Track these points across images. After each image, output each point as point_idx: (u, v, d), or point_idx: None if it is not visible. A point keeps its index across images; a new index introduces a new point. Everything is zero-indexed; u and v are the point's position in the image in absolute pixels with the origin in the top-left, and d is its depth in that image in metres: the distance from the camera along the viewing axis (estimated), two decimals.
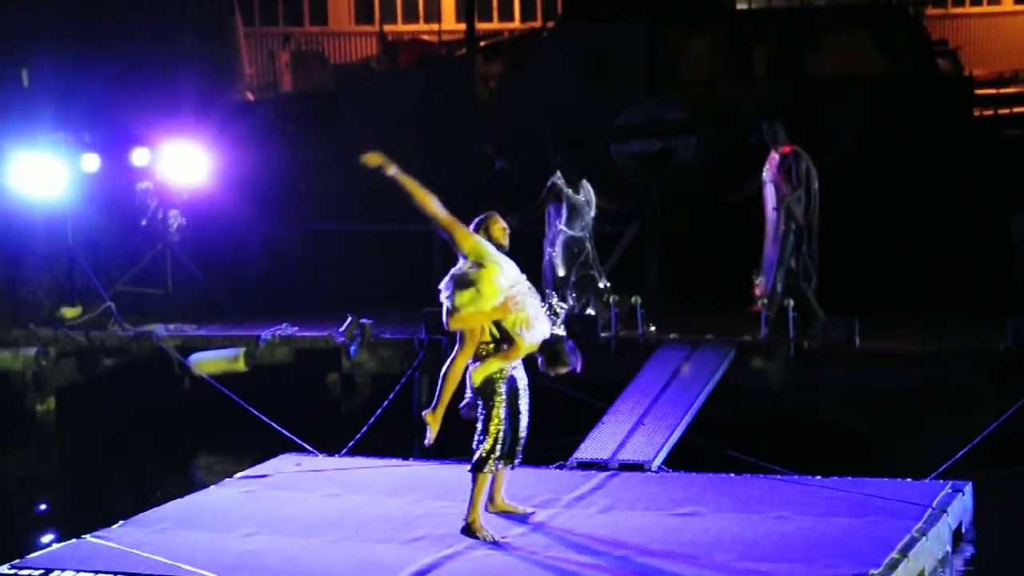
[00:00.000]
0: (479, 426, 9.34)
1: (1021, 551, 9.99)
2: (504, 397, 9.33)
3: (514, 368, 9.47)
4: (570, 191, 13.98)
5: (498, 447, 9.27)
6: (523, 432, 9.53)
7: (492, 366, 9.29)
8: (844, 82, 17.05)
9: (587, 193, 14.11)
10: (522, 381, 9.58)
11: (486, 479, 9.37)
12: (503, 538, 9.16)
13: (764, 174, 13.83)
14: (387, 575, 8.36)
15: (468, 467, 9.37)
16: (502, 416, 9.30)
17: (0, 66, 18.85)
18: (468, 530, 9.28)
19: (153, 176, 16.25)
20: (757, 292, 13.96)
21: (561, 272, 14.14)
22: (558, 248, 14.11)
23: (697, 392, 12.57)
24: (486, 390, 9.30)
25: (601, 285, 14.13)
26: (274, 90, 21.72)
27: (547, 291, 14.32)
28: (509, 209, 12.61)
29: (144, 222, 16.25)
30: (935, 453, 11.28)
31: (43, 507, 12.05)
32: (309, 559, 8.75)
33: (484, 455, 9.25)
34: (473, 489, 9.32)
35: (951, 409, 12.68)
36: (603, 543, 9.00)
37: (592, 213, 14.02)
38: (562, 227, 14.00)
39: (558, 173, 14.04)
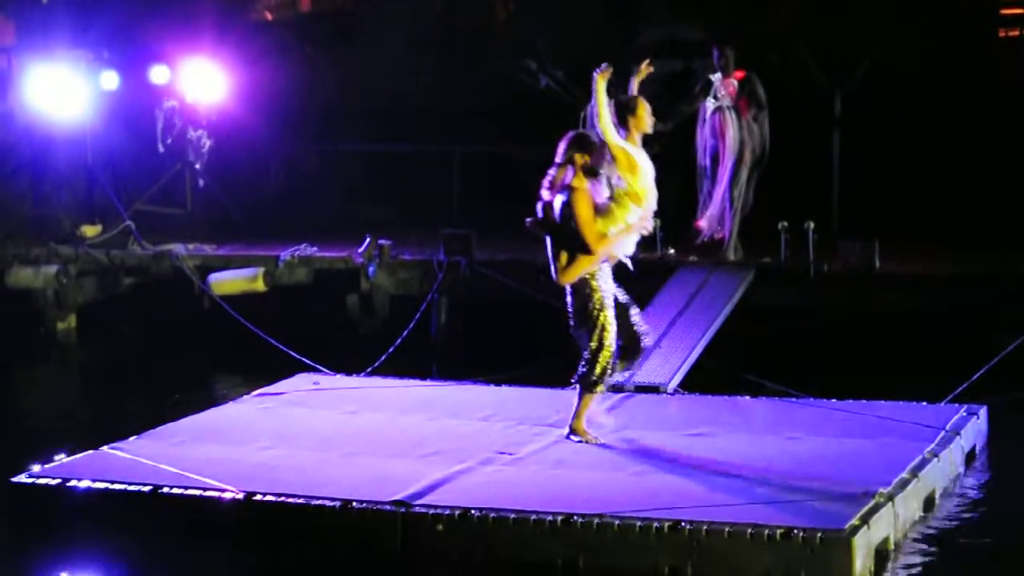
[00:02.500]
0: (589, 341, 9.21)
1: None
2: (609, 304, 9.18)
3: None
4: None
5: (609, 366, 9.22)
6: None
7: (583, 264, 9.08)
8: (866, 3, 16.79)
9: (614, 114, 14.02)
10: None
11: (591, 398, 9.36)
12: (512, 455, 9.19)
13: (718, 100, 13.60)
14: (399, 488, 8.40)
15: (574, 381, 9.37)
16: (612, 328, 9.18)
17: None
18: (574, 432, 9.33)
19: (174, 94, 16.20)
20: (702, 225, 13.74)
21: None
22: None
23: (714, 315, 12.55)
24: (585, 294, 9.12)
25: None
26: (293, 9, 21.53)
27: None
28: (547, 125, 12.55)
29: (169, 140, 16.23)
30: (954, 376, 11.26)
31: (62, 422, 12.14)
32: (322, 472, 8.82)
33: (595, 376, 9.20)
34: (579, 404, 9.35)
35: (971, 332, 12.62)
36: (615, 461, 9.04)
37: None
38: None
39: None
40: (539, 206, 9.37)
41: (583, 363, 9.33)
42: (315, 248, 15.10)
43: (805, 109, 15.41)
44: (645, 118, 9.49)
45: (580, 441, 9.37)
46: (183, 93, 16.15)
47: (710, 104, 13.61)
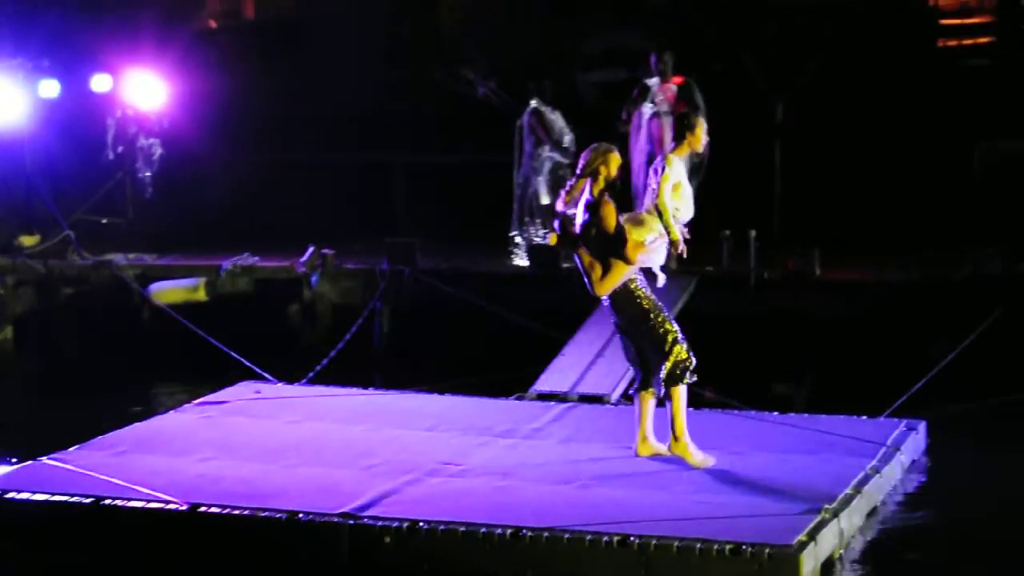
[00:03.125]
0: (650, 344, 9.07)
1: (967, 482, 10.08)
2: (659, 304, 9.09)
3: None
4: (551, 117, 13.99)
5: (688, 356, 9.04)
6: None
7: (619, 273, 8.99)
8: (809, 10, 16.93)
9: (561, 120, 14.16)
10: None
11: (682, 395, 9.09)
12: (458, 466, 9.16)
13: (655, 106, 13.50)
14: (346, 500, 8.37)
15: (659, 392, 9.15)
16: (669, 321, 9.07)
17: None
18: (677, 443, 9.10)
19: (117, 103, 16.08)
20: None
21: (545, 200, 14.08)
22: (545, 175, 14.09)
23: None
24: (635, 304, 9.04)
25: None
26: (237, 17, 21.41)
27: (527, 220, 14.31)
28: (488, 135, 12.61)
29: (120, 149, 16.11)
30: (891, 384, 11.35)
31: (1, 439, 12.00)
32: (267, 483, 8.76)
33: (672, 367, 9.02)
34: (672, 409, 9.10)
35: (907, 339, 12.74)
36: (562, 474, 9.02)
37: (569, 137, 14.06)
38: (549, 153, 14.05)
39: (535, 100, 13.98)
40: (556, 222, 9.27)
41: (658, 370, 9.11)
42: (257, 258, 15.02)
43: (747, 118, 15.52)
44: (701, 136, 9.53)
45: (694, 458, 9.11)
46: (131, 102, 16.02)
47: (647, 110, 13.56)
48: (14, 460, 9.53)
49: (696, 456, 9.15)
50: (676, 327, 9.16)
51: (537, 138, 14.23)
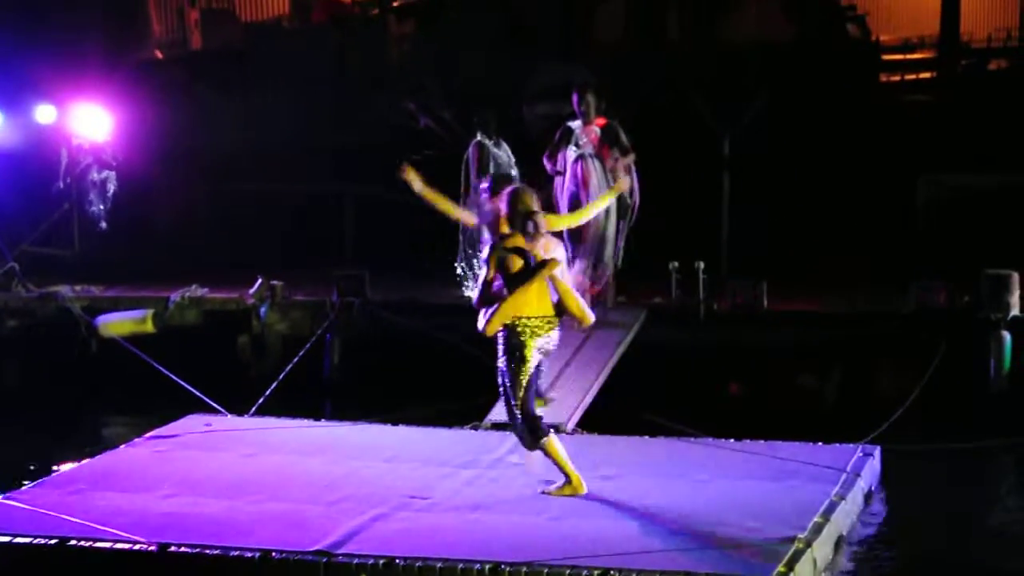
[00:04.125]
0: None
1: (920, 510, 10.22)
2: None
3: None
4: (496, 151, 13.96)
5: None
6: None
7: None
8: (754, 47, 17.17)
9: (507, 152, 14.08)
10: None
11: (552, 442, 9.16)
12: (426, 499, 9.14)
13: (579, 148, 12.81)
14: (318, 537, 8.31)
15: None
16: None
17: None
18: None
19: (65, 134, 15.98)
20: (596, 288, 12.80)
21: (486, 234, 14.07)
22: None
23: (609, 354, 12.64)
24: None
25: None
26: (184, 48, 21.37)
27: (469, 252, 14.30)
28: (430, 167, 12.54)
29: (69, 180, 16.00)
30: (841, 414, 11.48)
31: None
32: (234, 520, 8.67)
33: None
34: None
35: (855, 370, 12.90)
36: (531, 505, 9.01)
37: (514, 172, 13.95)
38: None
39: (479, 134, 13.99)
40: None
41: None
42: (206, 289, 14.94)
43: (694, 151, 15.68)
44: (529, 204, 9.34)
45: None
46: (80, 133, 15.92)
47: (571, 152, 12.90)
48: None
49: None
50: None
51: (478, 171, 14.21)
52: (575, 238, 12.57)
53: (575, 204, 12.64)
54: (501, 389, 9.25)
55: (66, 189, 16.01)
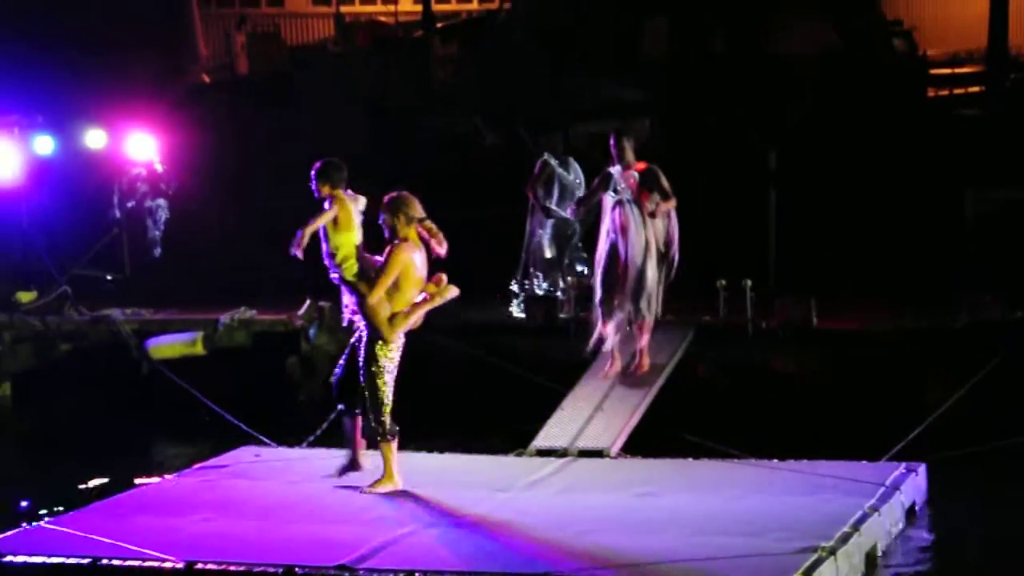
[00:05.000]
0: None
1: (973, 529, 10.10)
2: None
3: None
4: (561, 171, 13.89)
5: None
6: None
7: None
8: (801, 61, 17.10)
9: (576, 172, 13.95)
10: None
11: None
12: (456, 518, 9.16)
13: (618, 194, 12.07)
14: (342, 553, 8.36)
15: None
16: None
17: None
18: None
19: (124, 161, 16.18)
20: (608, 331, 12.16)
21: (548, 254, 14.04)
22: (548, 229, 14.00)
23: (656, 375, 12.59)
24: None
25: (580, 269, 13.97)
26: (230, 72, 21.55)
27: (532, 271, 14.28)
28: (493, 185, 12.53)
29: (131, 205, 16.17)
30: (891, 432, 11.37)
31: None
32: (263, 540, 8.76)
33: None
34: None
35: (907, 387, 12.77)
36: (559, 521, 9.05)
37: (580, 193, 13.78)
38: (553, 207, 13.89)
39: (546, 153, 13.86)
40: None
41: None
42: (255, 311, 15.03)
43: (741, 168, 15.62)
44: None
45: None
46: (132, 159, 16.12)
47: (610, 198, 12.17)
48: (13, 522, 9.48)
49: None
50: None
51: (545, 191, 14.10)
52: (611, 287, 12.03)
53: (614, 252, 12.07)
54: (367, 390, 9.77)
55: (124, 215, 16.18)
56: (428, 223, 9.76)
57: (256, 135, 17.87)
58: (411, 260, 9.69)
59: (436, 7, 21.96)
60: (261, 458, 11.20)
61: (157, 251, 16.43)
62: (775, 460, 10.59)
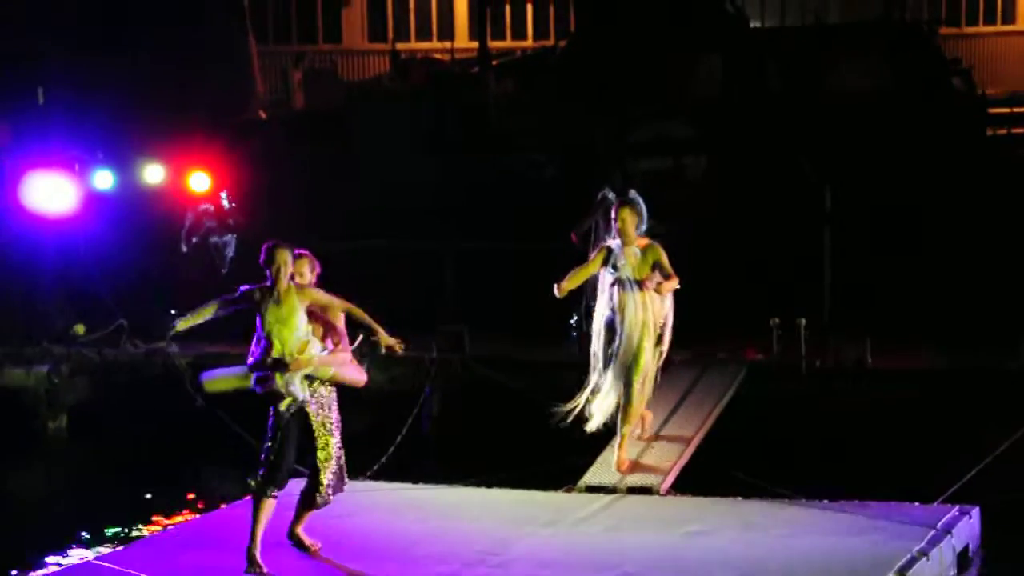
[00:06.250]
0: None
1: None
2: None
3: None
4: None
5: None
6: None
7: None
8: (857, 101, 17.01)
9: (639, 207, 13.76)
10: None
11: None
12: (500, 556, 9.12)
13: (617, 271, 11.16)
14: None
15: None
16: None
17: (16, 83, 18.94)
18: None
19: (172, 193, 16.33)
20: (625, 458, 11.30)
21: None
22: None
23: (707, 412, 12.53)
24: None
25: None
26: (287, 108, 21.73)
27: (590, 305, 14.18)
28: (551, 220, 12.32)
29: (195, 240, 16.32)
30: (946, 473, 11.24)
31: (53, 526, 12.05)
32: None
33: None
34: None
35: (962, 428, 12.63)
36: (606, 560, 9.00)
37: (644, 227, 13.52)
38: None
39: (607, 188, 13.74)
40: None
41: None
42: None
43: (796, 205, 15.55)
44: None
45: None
46: (189, 192, 16.27)
47: (607, 275, 11.18)
48: (66, 555, 9.54)
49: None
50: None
51: (606, 225, 13.94)
52: (605, 363, 11.17)
53: (611, 330, 11.16)
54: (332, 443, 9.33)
55: (192, 250, 16.30)
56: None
57: (312, 171, 17.97)
58: None
59: (492, 44, 22.03)
60: None
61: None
62: (825, 500, 10.49)
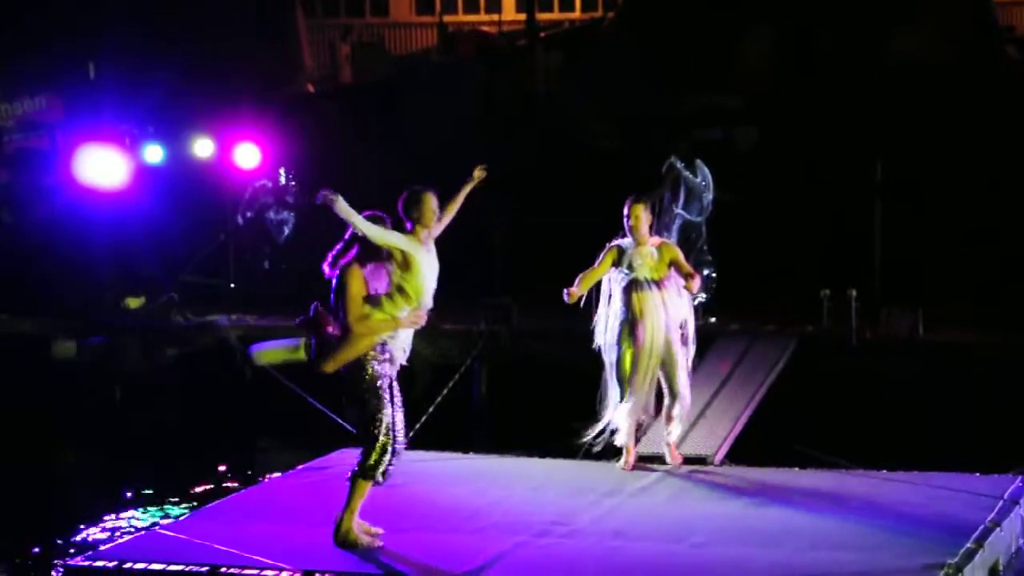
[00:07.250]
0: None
1: None
2: (384, 396, 8.68)
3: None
4: (688, 174, 13.73)
5: (384, 460, 8.62)
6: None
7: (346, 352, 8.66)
8: (910, 71, 16.86)
9: (704, 176, 13.68)
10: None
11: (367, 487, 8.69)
12: (568, 527, 9.10)
13: (631, 272, 10.40)
14: (458, 564, 8.33)
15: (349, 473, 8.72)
16: (386, 422, 8.63)
17: (68, 58, 19.07)
18: (343, 540, 8.69)
19: (220, 167, 16.41)
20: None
21: None
22: (674, 233, 13.86)
23: (758, 384, 12.48)
24: (360, 377, 8.68)
25: (706, 272, 13.75)
26: (334, 82, 21.77)
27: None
28: (616, 192, 12.21)
29: (249, 215, 16.40)
30: (998, 445, 11.16)
31: (110, 498, 12.16)
32: (379, 549, 8.76)
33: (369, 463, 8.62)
34: (350, 495, 8.71)
35: (1016, 400, 12.53)
36: (671, 532, 8.94)
37: (710, 196, 13.49)
38: (679, 211, 13.70)
39: (673, 156, 13.67)
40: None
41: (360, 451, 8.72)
42: None
43: (847, 177, 15.43)
44: (428, 212, 8.84)
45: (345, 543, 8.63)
46: (239, 166, 16.35)
47: (621, 276, 10.48)
48: (125, 522, 9.62)
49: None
50: (385, 428, 8.64)
51: (672, 194, 13.90)
52: (622, 380, 10.62)
53: (631, 334, 10.45)
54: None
55: (247, 223, 16.37)
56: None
57: (360, 144, 18.01)
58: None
59: (540, 16, 21.98)
60: None
61: (265, 264, 16.60)
62: (885, 471, 10.41)
